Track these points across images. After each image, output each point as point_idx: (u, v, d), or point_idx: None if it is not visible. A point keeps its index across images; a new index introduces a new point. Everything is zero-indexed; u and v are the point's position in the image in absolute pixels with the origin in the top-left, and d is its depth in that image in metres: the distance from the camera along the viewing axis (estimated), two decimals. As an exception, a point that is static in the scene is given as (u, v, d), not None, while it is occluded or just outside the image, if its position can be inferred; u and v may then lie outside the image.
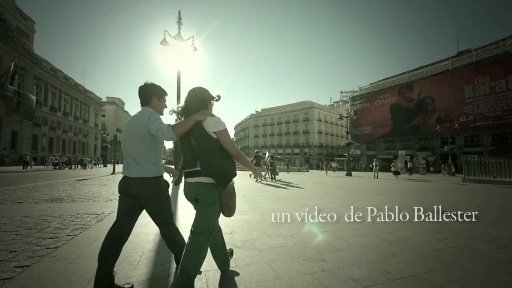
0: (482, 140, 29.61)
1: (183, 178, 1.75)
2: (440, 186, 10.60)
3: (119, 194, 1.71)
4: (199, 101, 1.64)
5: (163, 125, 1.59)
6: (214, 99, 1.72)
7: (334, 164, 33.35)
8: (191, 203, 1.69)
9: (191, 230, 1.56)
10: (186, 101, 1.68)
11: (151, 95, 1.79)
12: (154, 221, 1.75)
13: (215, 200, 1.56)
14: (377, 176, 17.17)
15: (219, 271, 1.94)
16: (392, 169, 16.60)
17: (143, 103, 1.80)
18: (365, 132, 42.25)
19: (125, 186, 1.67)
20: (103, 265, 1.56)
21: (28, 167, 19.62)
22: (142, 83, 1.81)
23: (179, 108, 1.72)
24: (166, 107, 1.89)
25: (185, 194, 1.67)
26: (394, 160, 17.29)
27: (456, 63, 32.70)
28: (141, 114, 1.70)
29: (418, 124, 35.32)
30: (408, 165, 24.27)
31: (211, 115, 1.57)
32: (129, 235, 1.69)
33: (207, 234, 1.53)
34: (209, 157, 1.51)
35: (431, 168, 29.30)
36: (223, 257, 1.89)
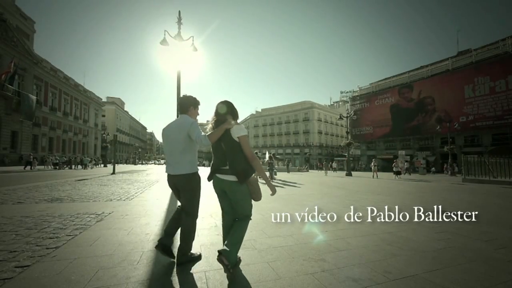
0: (482, 140, 29.57)
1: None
2: (440, 186, 10.60)
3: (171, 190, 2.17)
4: (226, 113, 2.00)
5: (201, 135, 1.97)
6: (236, 118, 2.06)
7: (334, 164, 33.33)
8: (218, 194, 2.05)
9: (236, 218, 1.99)
10: (215, 113, 2.04)
11: (189, 105, 2.17)
12: (182, 207, 2.15)
13: (244, 194, 1.93)
14: (377, 176, 17.18)
15: (219, 271, 1.95)
16: (394, 169, 16.56)
17: (182, 111, 2.17)
18: (365, 132, 42.22)
19: (171, 182, 2.12)
20: (168, 234, 2.14)
21: (32, 167, 19.65)
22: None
23: (213, 121, 2.06)
24: (199, 114, 2.28)
25: (214, 186, 2.04)
26: (395, 160, 17.23)
27: (456, 63, 32.65)
28: (183, 121, 2.08)
29: (418, 124, 35.29)
30: (405, 165, 24.22)
31: (236, 123, 1.93)
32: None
33: (247, 218, 2.00)
34: (235, 158, 1.88)
35: (433, 168, 29.18)
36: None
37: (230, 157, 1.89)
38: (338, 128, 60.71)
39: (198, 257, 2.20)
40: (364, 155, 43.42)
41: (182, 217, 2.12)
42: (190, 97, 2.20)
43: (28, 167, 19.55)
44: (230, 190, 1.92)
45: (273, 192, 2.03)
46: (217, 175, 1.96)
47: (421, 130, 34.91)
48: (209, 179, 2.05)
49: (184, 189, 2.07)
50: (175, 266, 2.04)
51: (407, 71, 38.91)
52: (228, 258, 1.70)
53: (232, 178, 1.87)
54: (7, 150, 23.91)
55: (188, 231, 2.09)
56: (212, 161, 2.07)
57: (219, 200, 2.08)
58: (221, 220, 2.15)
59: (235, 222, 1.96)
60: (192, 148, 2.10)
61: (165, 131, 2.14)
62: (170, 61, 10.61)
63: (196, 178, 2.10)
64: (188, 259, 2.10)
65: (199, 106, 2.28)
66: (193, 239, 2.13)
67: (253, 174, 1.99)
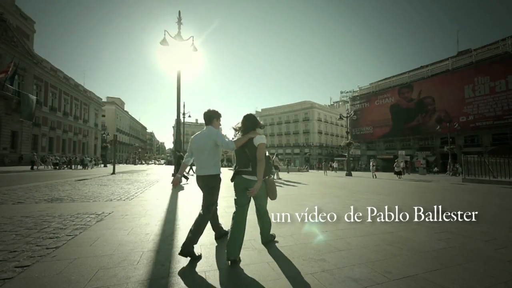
0: (482, 140, 29.58)
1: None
2: (440, 186, 10.60)
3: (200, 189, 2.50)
4: (251, 124, 2.38)
5: (228, 140, 2.38)
6: (261, 126, 2.46)
7: (335, 164, 33.26)
8: (238, 191, 2.33)
9: (261, 209, 2.49)
10: (242, 123, 2.43)
11: (213, 117, 2.52)
12: (202, 203, 2.44)
13: (263, 191, 2.33)
14: (375, 176, 17.18)
15: (220, 271, 1.97)
16: (395, 169, 16.41)
17: (207, 123, 2.52)
18: (365, 132, 42.24)
19: (199, 182, 2.44)
20: (215, 223, 2.76)
21: (32, 167, 19.77)
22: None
23: (238, 127, 2.50)
24: (220, 124, 2.62)
25: (235, 184, 2.36)
26: (396, 160, 17.15)
27: (456, 63, 32.66)
28: (210, 131, 2.43)
29: (418, 124, 35.30)
30: (402, 165, 24.15)
31: (259, 133, 2.33)
32: (217, 203, 2.57)
33: (266, 213, 2.52)
34: (256, 162, 2.22)
35: (435, 168, 29.02)
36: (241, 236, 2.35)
37: (253, 160, 2.24)
38: (338, 128, 60.73)
39: (199, 257, 2.21)
40: (364, 155, 43.43)
41: (202, 211, 2.39)
42: (214, 111, 2.55)
43: (34, 167, 19.85)
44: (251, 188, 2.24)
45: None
46: (241, 175, 2.31)
47: (421, 130, 34.92)
48: (232, 180, 2.37)
49: (207, 186, 2.40)
50: (175, 266, 2.04)
51: (407, 71, 38.93)
52: (268, 239, 2.64)
53: (255, 178, 2.22)
54: (7, 150, 23.90)
55: (200, 225, 2.29)
56: (235, 164, 2.46)
57: (237, 195, 2.35)
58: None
59: (260, 219, 2.54)
60: (217, 154, 2.45)
61: (195, 140, 2.50)
62: (170, 61, 10.62)
63: (218, 178, 2.44)
64: (190, 253, 2.17)
65: (221, 118, 2.66)
66: (201, 233, 2.29)
67: (271, 176, 2.41)
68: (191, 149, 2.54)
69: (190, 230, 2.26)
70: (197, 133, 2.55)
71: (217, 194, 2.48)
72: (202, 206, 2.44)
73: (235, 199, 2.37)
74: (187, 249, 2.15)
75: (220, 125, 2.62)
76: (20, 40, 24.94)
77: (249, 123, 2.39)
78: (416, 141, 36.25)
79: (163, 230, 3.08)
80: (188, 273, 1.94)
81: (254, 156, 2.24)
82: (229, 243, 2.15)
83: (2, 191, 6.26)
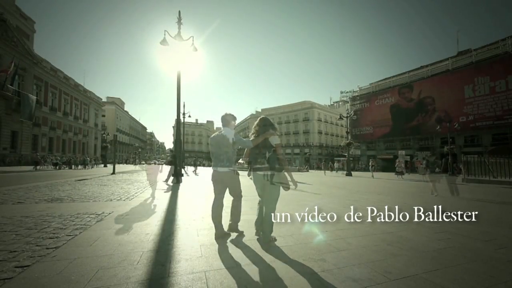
0: (482, 140, 29.55)
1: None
2: (440, 186, 10.59)
3: (212, 182, 2.86)
4: (266, 126, 2.76)
5: (246, 139, 2.79)
6: (275, 129, 2.81)
7: (336, 164, 33.21)
8: (259, 186, 2.76)
9: (266, 209, 2.66)
10: (257, 124, 2.83)
11: (229, 120, 2.92)
12: (230, 194, 2.93)
13: (276, 191, 2.63)
14: (372, 176, 17.26)
15: (219, 271, 1.97)
16: (396, 169, 16.37)
17: (224, 125, 2.92)
18: (365, 132, 42.21)
19: (216, 176, 2.81)
20: (217, 220, 2.81)
21: (35, 167, 19.82)
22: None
23: (254, 129, 2.84)
24: (235, 126, 3.03)
25: (255, 181, 2.76)
26: (398, 160, 17.12)
27: (456, 63, 32.61)
28: (228, 132, 2.82)
29: (418, 124, 35.26)
30: (403, 165, 24.03)
31: (274, 134, 2.69)
32: (223, 204, 2.86)
33: (274, 208, 2.66)
34: (270, 159, 2.61)
35: (437, 169, 28.90)
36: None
37: (265, 156, 2.64)
38: (338, 128, 60.66)
39: (242, 232, 2.91)
40: (364, 155, 43.39)
41: (233, 200, 2.93)
42: (230, 114, 2.96)
43: (38, 167, 19.96)
44: (267, 182, 2.60)
45: (295, 185, 2.74)
46: (258, 172, 2.68)
47: (421, 130, 34.89)
48: (249, 174, 2.78)
49: (230, 181, 2.82)
50: (175, 266, 2.04)
51: (407, 71, 38.82)
52: (268, 239, 2.64)
53: (269, 172, 2.58)
54: (7, 150, 23.89)
55: (238, 209, 2.90)
56: (250, 160, 2.80)
57: (260, 191, 2.78)
58: None
59: (264, 218, 2.67)
60: (233, 152, 2.83)
61: (214, 139, 2.84)
62: (170, 61, 10.61)
63: (236, 172, 2.84)
64: (235, 230, 2.87)
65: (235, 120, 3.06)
66: (240, 214, 2.92)
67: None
68: (212, 150, 2.87)
69: (233, 214, 2.90)
70: (215, 134, 2.90)
71: (240, 185, 2.92)
72: (233, 196, 2.95)
73: (258, 192, 2.86)
74: (234, 227, 2.85)
75: (235, 126, 2.99)
76: (20, 40, 24.93)
77: (264, 124, 2.77)
78: (416, 141, 36.22)
79: (163, 230, 3.08)
80: (188, 273, 1.94)
81: (268, 153, 2.65)
82: (256, 221, 2.83)
83: (2, 191, 6.25)
